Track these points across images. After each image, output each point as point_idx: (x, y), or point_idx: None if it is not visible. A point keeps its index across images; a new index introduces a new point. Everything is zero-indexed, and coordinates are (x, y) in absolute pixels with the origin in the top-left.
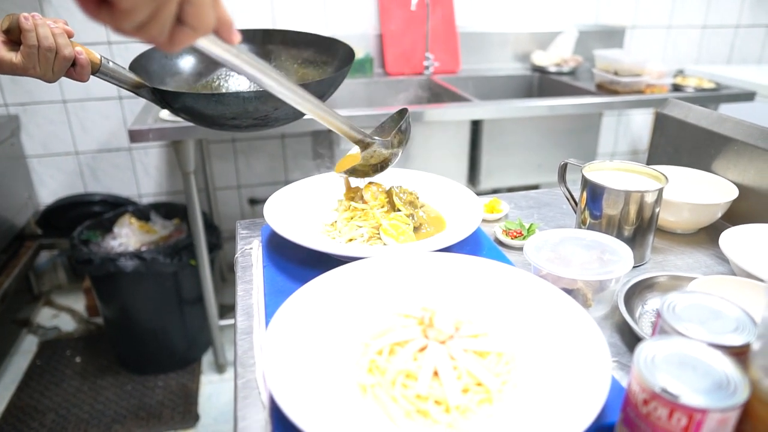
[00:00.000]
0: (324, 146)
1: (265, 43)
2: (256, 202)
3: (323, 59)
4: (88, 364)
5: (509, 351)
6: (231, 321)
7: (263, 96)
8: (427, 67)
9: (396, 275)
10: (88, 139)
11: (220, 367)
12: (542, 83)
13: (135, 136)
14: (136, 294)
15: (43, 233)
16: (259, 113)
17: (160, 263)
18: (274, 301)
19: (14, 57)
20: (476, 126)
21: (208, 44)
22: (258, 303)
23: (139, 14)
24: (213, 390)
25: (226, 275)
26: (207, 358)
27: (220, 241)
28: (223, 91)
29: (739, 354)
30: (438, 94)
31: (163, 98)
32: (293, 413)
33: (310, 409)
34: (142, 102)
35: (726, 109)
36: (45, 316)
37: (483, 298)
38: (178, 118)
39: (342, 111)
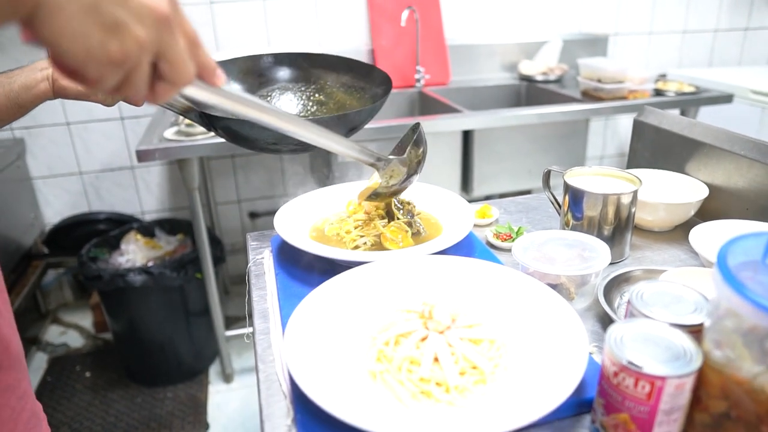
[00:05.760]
0: (321, 158)
1: (310, 66)
2: (256, 216)
3: (361, 85)
4: (98, 379)
5: (500, 338)
6: (236, 332)
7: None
8: (418, 80)
9: (398, 276)
10: (91, 160)
11: (227, 377)
12: (530, 92)
13: (142, 155)
14: (144, 308)
15: (49, 252)
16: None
17: (167, 277)
18: (287, 304)
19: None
20: (468, 135)
21: (194, 90)
22: (273, 306)
23: (109, 81)
24: (221, 399)
25: (229, 288)
26: (214, 368)
27: (223, 254)
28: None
29: (697, 332)
30: (430, 106)
31: (210, 122)
32: (316, 396)
33: (328, 393)
34: (143, 122)
35: (705, 111)
36: (53, 334)
37: (476, 294)
38: (182, 137)
39: None
